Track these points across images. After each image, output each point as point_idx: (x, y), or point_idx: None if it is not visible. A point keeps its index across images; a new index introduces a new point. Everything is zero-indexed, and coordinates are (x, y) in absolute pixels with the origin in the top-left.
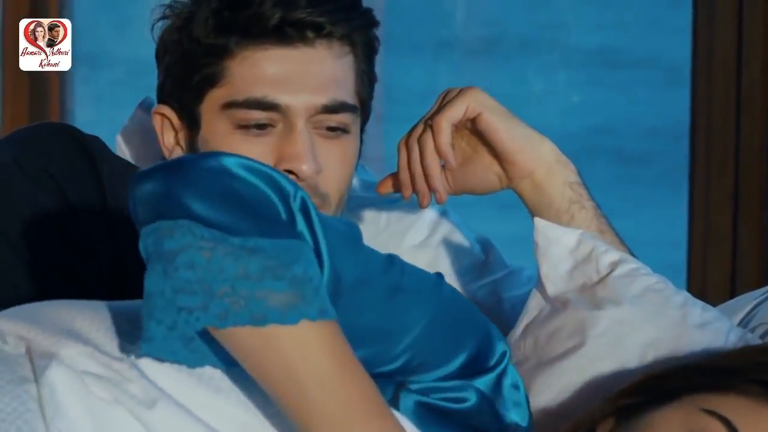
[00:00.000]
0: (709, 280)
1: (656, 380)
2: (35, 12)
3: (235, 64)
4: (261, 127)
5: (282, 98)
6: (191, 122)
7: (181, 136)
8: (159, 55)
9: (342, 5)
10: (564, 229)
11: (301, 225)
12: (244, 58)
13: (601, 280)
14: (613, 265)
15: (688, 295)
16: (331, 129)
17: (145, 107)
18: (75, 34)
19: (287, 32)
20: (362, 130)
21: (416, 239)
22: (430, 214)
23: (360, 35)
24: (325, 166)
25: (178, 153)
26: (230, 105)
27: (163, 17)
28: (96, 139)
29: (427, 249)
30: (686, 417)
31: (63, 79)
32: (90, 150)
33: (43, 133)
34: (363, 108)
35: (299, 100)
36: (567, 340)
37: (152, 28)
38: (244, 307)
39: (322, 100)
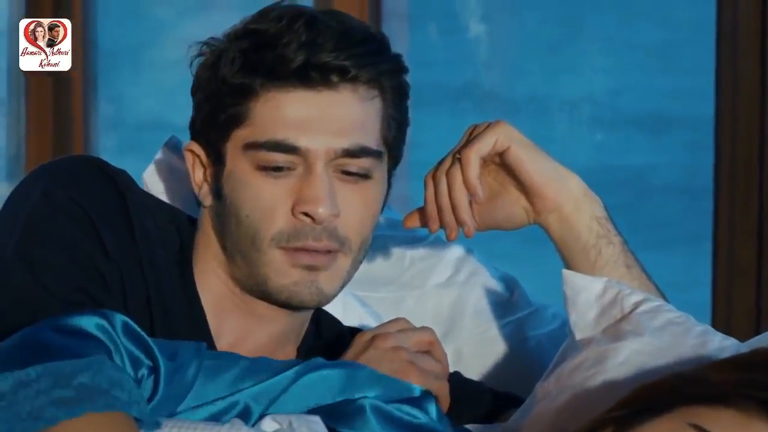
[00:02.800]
0: (733, 317)
1: (649, 390)
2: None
3: (258, 105)
4: (279, 169)
5: (302, 141)
6: (217, 160)
7: (209, 173)
8: (193, 92)
9: (370, 49)
10: (590, 278)
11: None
12: (267, 100)
13: (625, 316)
14: (637, 304)
15: (709, 327)
16: (352, 174)
17: (171, 146)
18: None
19: (311, 75)
20: (390, 175)
21: (441, 278)
22: (454, 253)
23: (388, 80)
24: (344, 210)
25: (206, 190)
26: (252, 146)
27: (200, 54)
28: (123, 172)
29: (452, 288)
30: (673, 431)
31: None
32: (117, 182)
33: (72, 165)
34: (390, 152)
35: (319, 143)
36: (588, 370)
37: (190, 65)
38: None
39: (344, 144)
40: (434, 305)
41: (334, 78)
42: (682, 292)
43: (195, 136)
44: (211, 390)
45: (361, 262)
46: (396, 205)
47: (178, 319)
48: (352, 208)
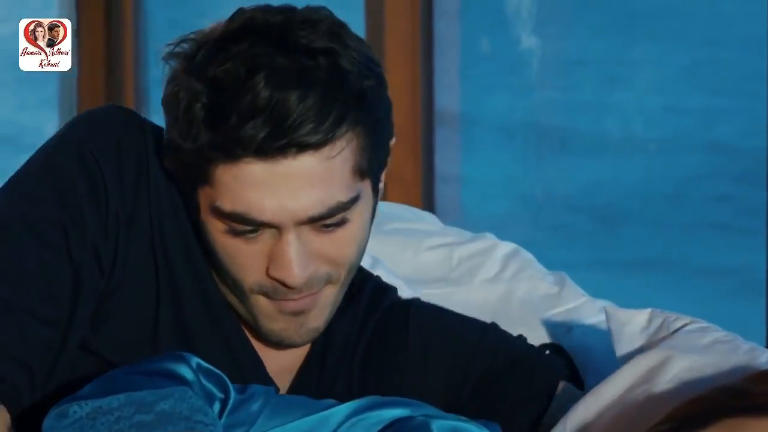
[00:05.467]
0: None
1: (693, 404)
2: None
3: (219, 170)
4: (249, 233)
5: (266, 215)
6: (191, 199)
7: (188, 206)
8: (162, 102)
9: (336, 114)
10: (634, 311)
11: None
12: (227, 169)
13: (671, 334)
14: (684, 324)
15: (757, 345)
16: (326, 226)
17: None
18: None
19: (270, 152)
20: (377, 186)
21: (489, 274)
22: (503, 250)
23: (357, 124)
24: (324, 253)
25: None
26: (218, 212)
27: (172, 55)
28: (159, 131)
29: (500, 283)
30: None
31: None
32: (147, 140)
33: (104, 115)
34: (372, 173)
35: (284, 216)
36: (637, 388)
37: (164, 62)
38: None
39: (310, 212)
40: (482, 298)
41: (294, 150)
42: None
43: (167, 152)
44: (275, 425)
45: (351, 279)
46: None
47: (187, 295)
48: (332, 251)
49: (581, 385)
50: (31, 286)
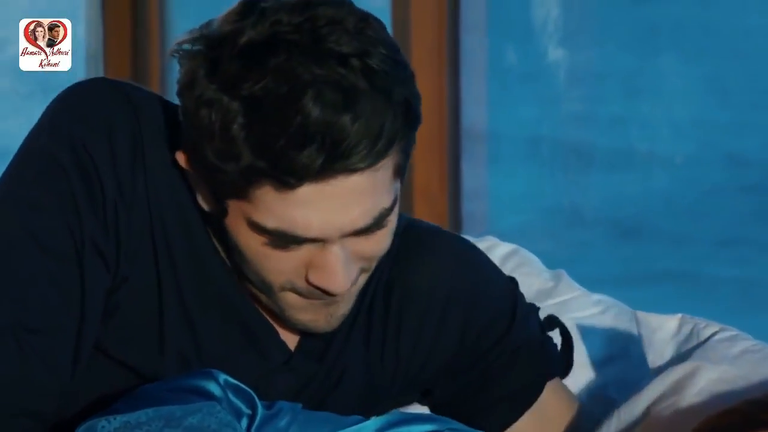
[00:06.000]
0: None
1: (722, 417)
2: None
3: (262, 192)
4: (290, 245)
5: (312, 232)
6: (217, 206)
7: (205, 194)
8: (178, 94)
9: (387, 135)
10: (665, 316)
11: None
12: (272, 191)
13: (700, 344)
14: (714, 333)
15: None
16: (368, 231)
17: None
18: None
19: (324, 176)
20: (403, 179)
21: None
22: (502, 249)
23: (405, 131)
24: (363, 255)
25: (202, 199)
26: (257, 226)
27: (187, 55)
28: (151, 101)
29: None
30: None
31: None
32: (140, 117)
33: (91, 92)
34: (404, 172)
35: (332, 231)
36: (666, 400)
37: (177, 59)
38: None
39: (358, 224)
40: None
41: (347, 173)
42: None
43: (185, 149)
44: None
45: None
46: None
47: (189, 280)
48: (372, 251)
49: (570, 365)
50: (38, 301)
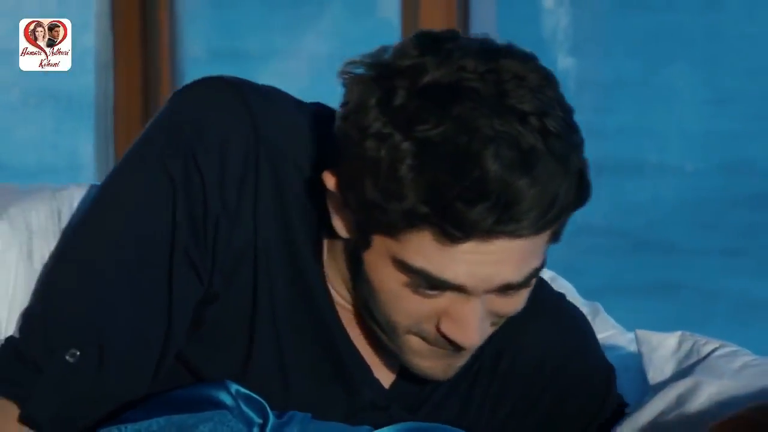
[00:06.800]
0: None
1: (727, 424)
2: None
3: (420, 236)
4: (431, 290)
5: (460, 280)
6: (360, 237)
7: (346, 219)
8: (342, 117)
9: (559, 206)
10: (665, 334)
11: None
12: (431, 238)
13: (701, 360)
14: (714, 349)
15: None
16: (512, 289)
17: None
18: None
19: (491, 235)
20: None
21: None
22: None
23: (574, 206)
24: (499, 312)
25: (340, 225)
26: (403, 265)
27: (357, 81)
28: (271, 105)
29: None
30: None
31: None
32: (258, 122)
33: (204, 99)
34: (558, 239)
35: (480, 285)
36: (667, 415)
37: (342, 81)
38: None
39: (506, 281)
40: None
41: (513, 236)
42: None
43: (336, 172)
44: None
45: None
46: None
47: (287, 313)
48: (508, 310)
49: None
50: (124, 309)
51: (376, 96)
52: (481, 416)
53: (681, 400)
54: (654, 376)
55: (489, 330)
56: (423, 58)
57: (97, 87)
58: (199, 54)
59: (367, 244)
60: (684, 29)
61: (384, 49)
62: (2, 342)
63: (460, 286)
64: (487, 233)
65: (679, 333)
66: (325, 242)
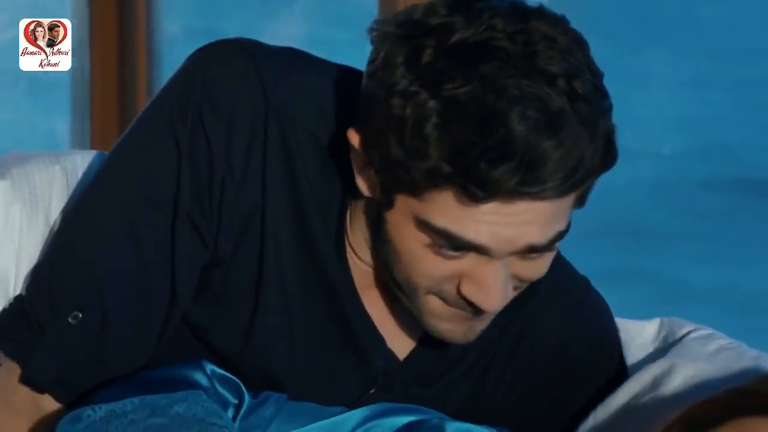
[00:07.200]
0: None
1: (703, 406)
2: None
3: (443, 195)
4: (453, 251)
5: (482, 240)
6: (383, 196)
7: (371, 179)
8: (368, 74)
9: (585, 170)
10: (644, 322)
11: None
12: (454, 197)
13: (675, 342)
14: (688, 332)
15: (762, 352)
16: (535, 252)
17: None
18: None
19: (515, 196)
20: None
21: None
22: None
23: (601, 164)
24: (521, 277)
25: (364, 185)
26: (425, 225)
27: (385, 41)
28: (283, 70)
29: None
30: None
31: None
32: (267, 87)
33: (216, 64)
34: (583, 204)
35: (503, 246)
36: (643, 397)
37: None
38: None
39: (530, 243)
40: None
41: (536, 197)
42: None
43: (361, 130)
44: (289, 428)
45: None
46: None
47: (295, 277)
48: (530, 274)
49: None
50: (127, 271)
51: (404, 54)
52: (493, 398)
53: (656, 383)
54: (634, 363)
55: (511, 294)
56: (452, 17)
57: (73, 66)
58: (176, 33)
59: (390, 204)
60: (660, 12)
61: (414, 8)
62: (11, 300)
63: (483, 247)
64: (510, 194)
65: (658, 320)
66: (350, 205)
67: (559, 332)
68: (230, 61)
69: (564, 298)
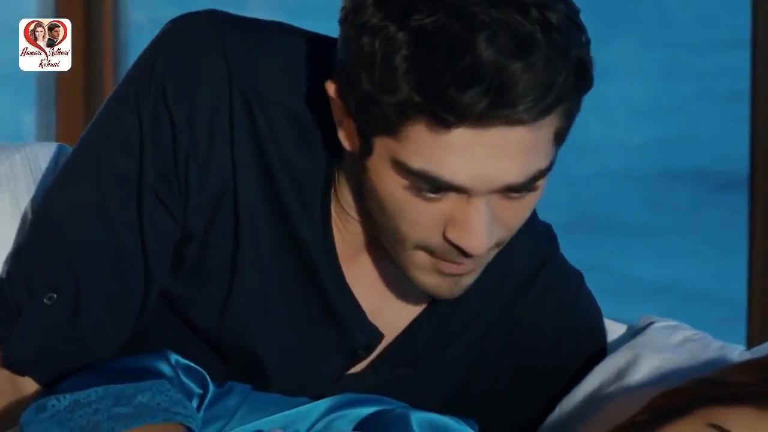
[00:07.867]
0: None
1: (670, 395)
2: None
3: (415, 129)
4: (432, 193)
5: (459, 179)
6: (362, 143)
7: (349, 129)
8: (340, 22)
9: (556, 93)
10: (616, 323)
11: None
12: (426, 130)
13: (639, 331)
14: (653, 323)
15: (727, 343)
16: (516, 192)
17: None
18: None
19: (486, 120)
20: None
21: None
22: None
23: (573, 91)
24: (500, 220)
25: (344, 137)
26: (402, 167)
27: None
28: (250, 39)
29: None
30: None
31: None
32: (228, 57)
33: (183, 36)
34: (563, 138)
35: (481, 183)
36: (608, 387)
37: None
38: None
39: (510, 180)
40: None
41: (508, 122)
42: None
43: (338, 82)
44: (254, 419)
45: None
46: None
47: (269, 242)
48: (513, 218)
49: None
50: (97, 249)
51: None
52: (482, 385)
53: (621, 373)
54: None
55: (496, 236)
56: None
57: None
58: (143, 22)
59: (369, 150)
60: (629, 3)
61: None
62: None
63: (460, 186)
64: (481, 118)
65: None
66: (337, 174)
67: (551, 327)
68: (194, 35)
69: (558, 293)
